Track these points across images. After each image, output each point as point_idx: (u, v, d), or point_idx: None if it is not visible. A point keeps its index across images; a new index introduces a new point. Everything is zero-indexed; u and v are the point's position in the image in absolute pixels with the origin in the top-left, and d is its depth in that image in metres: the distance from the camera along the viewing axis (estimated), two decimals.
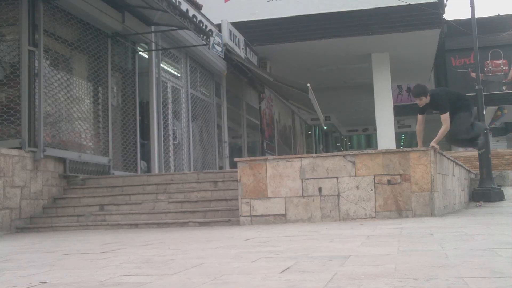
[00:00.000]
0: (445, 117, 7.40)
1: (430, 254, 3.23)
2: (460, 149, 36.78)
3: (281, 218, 6.90)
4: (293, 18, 15.16)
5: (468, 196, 10.74)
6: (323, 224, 6.35)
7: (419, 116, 7.85)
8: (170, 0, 9.10)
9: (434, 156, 6.75)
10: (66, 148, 8.59)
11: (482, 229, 4.91)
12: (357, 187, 6.76)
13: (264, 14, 15.29)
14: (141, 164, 10.55)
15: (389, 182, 6.70)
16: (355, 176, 6.78)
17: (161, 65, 11.36)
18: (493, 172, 11.08)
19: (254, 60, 15.62)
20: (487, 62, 25.96)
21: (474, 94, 11.07)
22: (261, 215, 6.96)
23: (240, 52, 14.18)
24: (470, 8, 11.38)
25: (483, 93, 11.13)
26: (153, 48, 11.08)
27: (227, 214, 7.46)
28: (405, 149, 6.96)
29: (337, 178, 6.83)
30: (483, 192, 10.33)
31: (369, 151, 7.15)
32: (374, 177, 6.74)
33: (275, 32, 15.38)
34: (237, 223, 7.06)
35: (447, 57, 26.05)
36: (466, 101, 7.83)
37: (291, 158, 7.10)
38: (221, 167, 14.09)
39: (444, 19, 15.69)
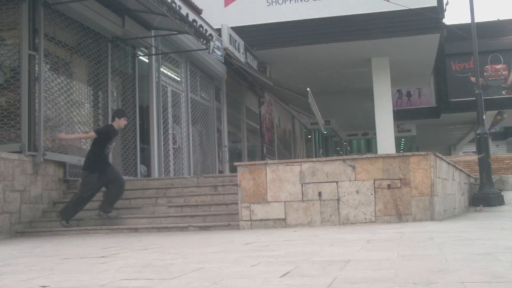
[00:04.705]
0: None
1: (430, 259, 3.22)
2: (460, 153, 36.73)
3: (281, 223, 6.89)
4: (293, 23, 15.17)
5: (468, 200, 10.74)
6: (323, 229, 6.34)
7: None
8: (170, 5, 9.12)
9: (434, 160, 6.76)
10: (66, 152, 8.59)
11: (482, 233, 4.90)
12: (357, 192, 6.76)
13: (264, 19, 15.31)
14: (141, 168, 10.54)
15: (389, 186, 6.70)
16: (355, 180, 6.78)
17: (161, 69, 11.38)
18: (493, 176, 11.08)
19: (254, 64, 15.63)
20: (487, 66, 26.00)
21: (474, 98, 11.09)
22: (261, 220, 6.95)
23: (240, 56, 14.20)
24: (469, 12, 11.40)
25: (483, 98, 11.14)
26: (153, 52, 11.10)
27: (226, 219, 7.45)
28: (405, 154, 6.97)
29: (337, 182, 6.82)
30: (483, 197, 10.32)
31: (369, 155, 7.15)
32: (374, 181, 6.74)
33: (275, 36, 15.39)
34: (237, 227, 7.05)
35: (447, 61, 26.08)
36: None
37: (291, 162, 7.10)
38: (221, 172, 14.08)
39: (443, 23, 15.72)
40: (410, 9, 14.25)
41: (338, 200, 6.80)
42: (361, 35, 15.13)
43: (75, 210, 7.69)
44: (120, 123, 7.99)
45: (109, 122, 8.90)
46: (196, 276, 2.94)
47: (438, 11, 14.72)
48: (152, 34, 10.92)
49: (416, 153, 6.92)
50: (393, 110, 17.24)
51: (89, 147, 9.20)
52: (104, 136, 7.82)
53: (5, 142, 7.77)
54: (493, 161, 13.20)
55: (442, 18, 15.16)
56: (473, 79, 22.85)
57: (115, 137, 8.11)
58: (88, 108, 9.39)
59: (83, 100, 9.24)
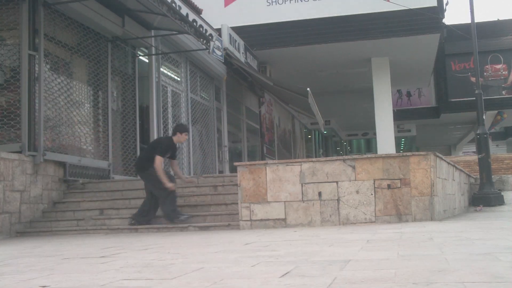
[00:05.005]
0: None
1: (430, 259, 3.22)
2: (460, 153, 36.73)
3: (281, 223, 6.90)
4: (293, 23, 15.18)
5: (468, 200, 10.74)
6: (323, 229, 6.34)
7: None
8: (170, 5, 9.12)
9: (434, 160, 6.76)
10: (66, 152, 8.59)
11: (482, 233, 4.90)
12: (357, 192, 6.76)
13: (264, 19, 15.31)
14: None
15: (389, 186, 6.70)
16: (355, 180, 6.78)
17: (161, 69, 11.38)
18: (493, 176, 11.08)
19: (254, 64, 15.63)
20: (487, 66, 26.01)
21: (474, 98, 11.09)
22: (261, 220, 6.95)
23: (240, 56, 14.19)
24: (469, 12, 11.40)
25: (483, 98, 11.14)
26: (153, 52, 11.10)
27: (226, 219, 7.46)
28: (405, 154, 6.97)
29: (337, 182, 6.82)
30: (483, 197, 10.32)
31: (369, 155, 7.14)
32: (374, 181, 6.74)
33: (275, 36, 15.40)
34: (237, 227, 7.06)
35: (447, 61, 26.08)
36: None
37: (291, 162, 7.10)
38: (220, 172, 14.08)
39: (443, 23, 15.69)
40: (410, 9, 14.25)
41: (338, 200, 6.80)
42: (361, 35, 15.13)
43: (169, 206, 7.49)
44: (181, 138, 7.79)
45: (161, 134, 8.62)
46: (196, 276, 2.94)
47: (438, 11, 14.72)
48: (152, 34, 10.92)
49: (416, 153, 6.92)
50: (393, 110, 17.24)
51: (89, 147, 9.21)
52: (164, 152, 7.64)
53: (5, 142, 7.77)
54: (493, 161, 13.20)
55: (442, 18, 15.15)
56: (473, 79, 22.84)
57: (171, 152, 7.82)
58: (88, 108, 9.39)
59: (83, 100, 9.24)
